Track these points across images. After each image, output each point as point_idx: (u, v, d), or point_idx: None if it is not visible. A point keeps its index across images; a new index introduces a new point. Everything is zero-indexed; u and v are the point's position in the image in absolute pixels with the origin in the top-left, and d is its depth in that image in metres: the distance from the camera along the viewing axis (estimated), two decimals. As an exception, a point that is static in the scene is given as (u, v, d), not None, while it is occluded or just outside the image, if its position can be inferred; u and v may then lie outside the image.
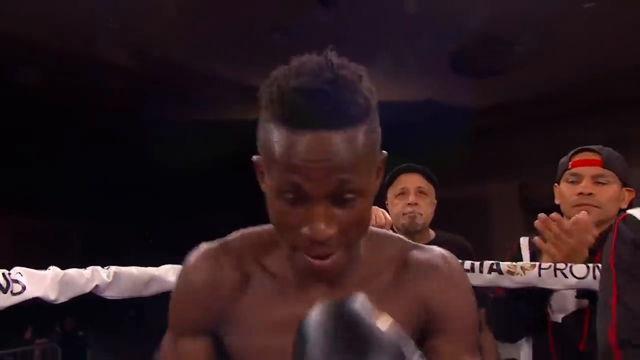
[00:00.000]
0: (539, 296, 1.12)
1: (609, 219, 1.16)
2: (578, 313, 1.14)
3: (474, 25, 3.40)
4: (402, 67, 4.01)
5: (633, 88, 4.07)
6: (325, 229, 0.48)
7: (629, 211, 0.81)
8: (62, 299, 0.82)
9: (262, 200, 0.54)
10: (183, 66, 4.51)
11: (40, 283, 0.79)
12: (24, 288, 0.77)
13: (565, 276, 1.02)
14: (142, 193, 8.21)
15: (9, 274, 0.76)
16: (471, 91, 4.90)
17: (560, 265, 1.03)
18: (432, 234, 1.62)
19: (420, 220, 1.50)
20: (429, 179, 1.48)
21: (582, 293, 1.13)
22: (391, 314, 0.47)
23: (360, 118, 0.47)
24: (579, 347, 1.10)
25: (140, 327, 6.90)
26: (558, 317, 1.16)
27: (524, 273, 1.05)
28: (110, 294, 0.86)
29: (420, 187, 1.45)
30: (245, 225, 0.65)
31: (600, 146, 1.21)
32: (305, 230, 0.49)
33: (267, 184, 0.51)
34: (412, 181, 1.45)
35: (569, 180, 1.22)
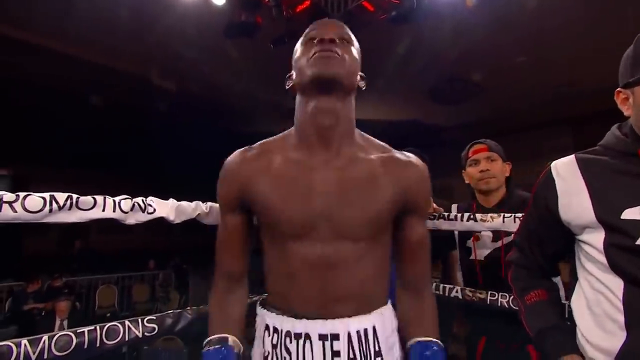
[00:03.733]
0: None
1: (502, 183, 1.63)
2: (495, 250, 1.55)
3: (446, 69, 5.14)
4: (397, 97, 6.01)
5: (547, 114, 6.21)
6: (330, 32, 0.81)
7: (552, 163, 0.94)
8: (177, 221, 1.12)
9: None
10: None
11: (164, 208, 1.10)
12: (154, 210, 1.08)
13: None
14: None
15: (145, 200, 1.07)
16: (442, 114, 6.83)
17: (518, 215, 1.42)
18: None
19: None
20: None
21: (496, 236, 1.56)
22: (380, 190, 0.80)
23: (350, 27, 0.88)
24: (501, 276, 1.48)
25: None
26: (482, 255, 1.58)
27: (493, 220, 1.44)
28: (207, 220, 1.17)
29: None
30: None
31: (483, 139, 1.67)
32: (316, 46, 0.80)
33: (297, 58, 0.85)
34: None
35: (471, 165, 1.66)
